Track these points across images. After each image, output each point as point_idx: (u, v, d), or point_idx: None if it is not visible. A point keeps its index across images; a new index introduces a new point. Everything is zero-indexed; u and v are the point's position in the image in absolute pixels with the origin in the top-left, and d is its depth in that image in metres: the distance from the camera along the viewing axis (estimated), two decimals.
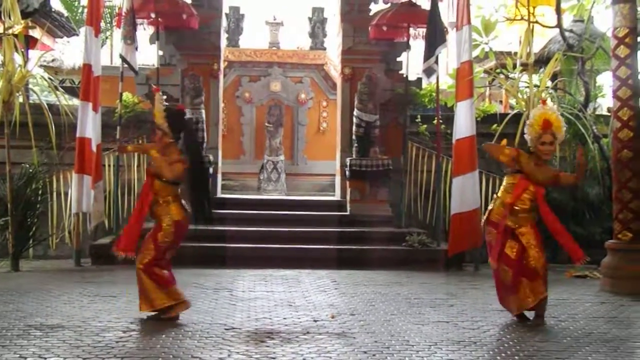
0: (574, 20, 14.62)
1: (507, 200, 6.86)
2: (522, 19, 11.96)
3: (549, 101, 7.16)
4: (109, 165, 11.80)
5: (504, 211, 6.84)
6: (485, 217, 7.15)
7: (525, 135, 7.00)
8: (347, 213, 12.48)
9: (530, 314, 6.91)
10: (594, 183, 12.02)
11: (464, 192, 10.48)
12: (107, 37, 19.98)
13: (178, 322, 6.51)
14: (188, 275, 9.36)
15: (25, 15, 11.85)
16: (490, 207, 7.12)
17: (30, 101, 11.60)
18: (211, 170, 12.23)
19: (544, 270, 6.82)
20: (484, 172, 11.06)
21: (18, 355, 5.23)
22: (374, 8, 13.06)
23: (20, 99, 10.70)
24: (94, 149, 10.63)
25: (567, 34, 12.84)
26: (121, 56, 11.57)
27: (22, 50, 11.09)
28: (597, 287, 9.00)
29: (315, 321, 6.70)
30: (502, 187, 7.10)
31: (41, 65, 15.61)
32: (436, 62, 11.53)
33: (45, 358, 5.18)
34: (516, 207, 6.84)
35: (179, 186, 6.91)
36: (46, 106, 10.75)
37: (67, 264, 10.82)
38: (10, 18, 10.37)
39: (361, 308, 7.41)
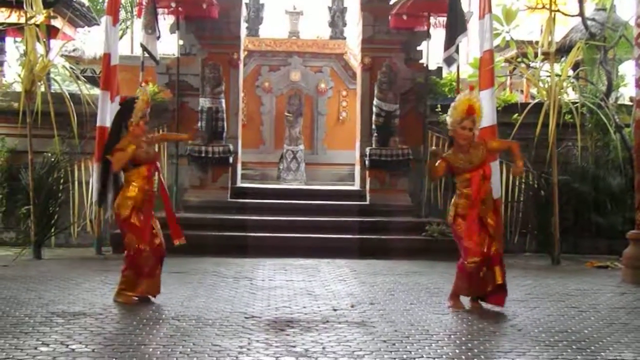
0: (596, 9, 14.50)
1: (472, 195, 6.83)
2: (543, 7, 11.88)
3: (476, 90, 7.34)
4: None
5: (471, 203, 6.83)
6: (451, 214, 7.04)
7: (447, 118, 7.00)
8: (367, 202, 12.48)
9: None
10: (615, 173, 11.95)
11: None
12: (127, 27, 20.08)
13: (199, 311, 6.54)
14: (208, 264, 9.42)
15: (47, 5, 11.93)
16: (454, 201, 7.01)
17: (52, 91, 11.70)
18: (231, 159, 12.28)
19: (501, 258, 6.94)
20: (504, 162, 10.99)
21: (41, 342, 5.27)
22: None
23: (42, 89, 10.78)
24: None
25: (589, 22, 12.74)
26: (142, 45, 11.63)
27: (44, 40, 11.16)
28: (619, 278, 8.94)
29: (334, 310, 6.70)
30: (458, 185, 7.01)
31: (62, 55, 15.69)
32: (457, 51, 11.50)
33: (68, 345, 5.22)
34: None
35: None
36: (68, 95, 10.81)
37: (88, 252, 10.91)
38: (32, 8, 10.43)
39: (381, 297, 7.41)
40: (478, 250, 6.76)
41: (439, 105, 12.74)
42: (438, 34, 12.48)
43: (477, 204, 6.83)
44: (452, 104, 6.94)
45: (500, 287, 6.87)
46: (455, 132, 6.86)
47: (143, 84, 7.36)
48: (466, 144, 6.85)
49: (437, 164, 6.96)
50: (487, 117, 10.41)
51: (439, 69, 13.07)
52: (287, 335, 5.68)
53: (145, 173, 6.96)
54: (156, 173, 7.11)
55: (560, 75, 11.10)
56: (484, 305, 6.93)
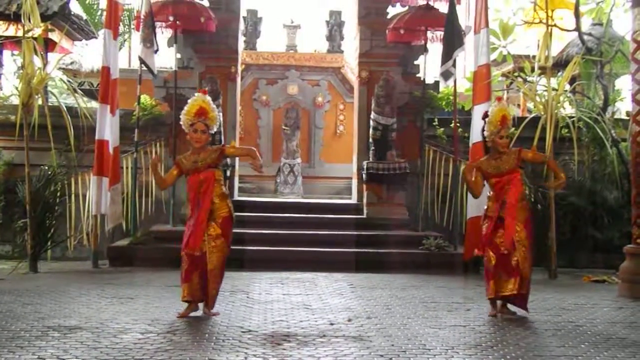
0: (592, 24, 14.55)
1: (501, 197, 7.32)
2: (540, 22, 11.92)
3: (503, 99, 7.68)
4: (127, 168, 11.87)
5: (496, 205, 7.32)
6: (483, 215, 7.58)
7: (484, 132, 7.42)
8: (364, 216, 12.48)
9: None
10: (612, 187, 11.96)
11: (481, 196, 10.43)
12: (125, 40, 20.10)
13: (195, 325, 6.53)
14: None
15: (44, 18, 11.95)
16: (485, 207, 7.56)
17: (49, 103, 11.68)
18: (228, 172, 12.26)
19: (528, 270, 7.22)
20: None
21: (36, 357, 5.25)
22: (392, 11, 13.05)
23: (39, 102, 10.77)
24: (111, 151, 10.72)
25: (585, 37, 12.79)
26: (140, 58, 11.63)
27: (42, 53, 11.16)
28: (616, 292, 8.94)
29: (331, 324, 6.69)
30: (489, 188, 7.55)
31: (60, 68, 15.70)
32: (454, 65, 11.52)
33: (64, 359, 5.20)
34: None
35: None
36: (65, 108, 10.82)
37: (85, 266, 10.89)
38: (30, 21, 10.44)
39: (378, 311, 7.40)
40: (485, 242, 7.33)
41: (436, 119, 12.79)
42: (435, 48, 12.51)
43: (496, 208, 7.29)
44: (488, 118, 7.40)
45: (521, 295, 7.18)
46: (495, 142, 7.34)
47: (198, 92, 7.26)
48: (503, 152, 7.35)
49: (474, 178, 7.45)
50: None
51: (436, 83, 13.09)
52: (284, 349, 5.66)
53: (189, 182, 7.12)
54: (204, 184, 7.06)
55: (557, 90, 11.12)
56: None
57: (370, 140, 12.40)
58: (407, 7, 12.74)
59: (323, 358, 5.41)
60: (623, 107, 15.10)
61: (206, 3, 12.77)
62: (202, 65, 12.86)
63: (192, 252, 6.92)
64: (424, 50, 12.51)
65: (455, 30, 11.44)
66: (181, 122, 7.15)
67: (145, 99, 12.49)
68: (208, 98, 7.20)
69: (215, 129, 7.31)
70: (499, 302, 7.25)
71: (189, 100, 7.17)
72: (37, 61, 10.71)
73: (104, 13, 12.84)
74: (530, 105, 14.87)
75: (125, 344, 5.70)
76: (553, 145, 10.58)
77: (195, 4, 12.37)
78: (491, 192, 7.45)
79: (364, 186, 12.57)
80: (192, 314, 6.98)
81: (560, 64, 14.41)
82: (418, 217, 12.22)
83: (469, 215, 10.58)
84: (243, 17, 15.83)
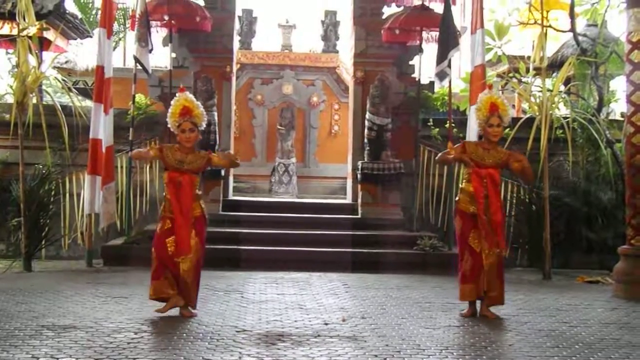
0: (587, 25, 14.58)
1: (469, 190, 7.17)
2: (535, 23, 11.93)
3: (494, 89, 7.57)
4: (122, 167, 11.85)
5: (468, 199, 7.17)
6: (455, 209, 7.43)
7: (476, 121, 7.38)
8: (359, 216, 12.48)
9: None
10: (606, 188, 11.99)
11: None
12: (120, 39, 20.09)
13: (189, 324, 6.52)
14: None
15: (39, 17, 11.92)
16: (457, 198, 7.39)
17: (44, 102, 11.67)
18: (223, 172, 12.25)
19: (500, 267, 7.15)
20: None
21: (30, 356, 5.24)
22: (387, 11, 13.07)
23: (34, 100, 10.75)
24: (104, 150, 10.69)
25: (580, 38, 12.80)
26: (135, 58, 11.61)
27: (36, 51, 11.14)
28: (610, 293, 8.95)
29: (326, 324, 6.68)
30: (463, 178, 7.50)
31: (55, 67, 15.69)
32: (449, 65, 11.53)
33: (57, 358, 5.18)
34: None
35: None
36: (59, 107, 10.78)
37: (79, 265, 10.86)
38: (24, 20, 10.42)
39: (372, 311, 7.40)
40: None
41: (431, 120, 12.79)
42: (430, 49, 12.53)
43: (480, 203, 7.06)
44: (476, 107, 7.30)
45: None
46: (485, 131, 7.17)
47: (179, 92, 7.09)
48: (494, 143, 7.17)
49: (453, 148, 7.22)
50: (478, 132, 10.47)
51: (431, 84, 13.09)
52: (278, 349, 5.66)
53: (166, 179, 6.96)
54: (183, 187, 6.88)
55: (551, 91, 11.13)
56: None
57: (365, 140, 12.41)
58: (402, 8, 12.76)
59: (317, 358, 5.40)
60: (617, 108, 15.14)
61: (201, 2, 12.78)
62: (197, 65, 12.86)
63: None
64: (419, 50, 12.53)
65: (451, 31, 11.46)
66: (169, 125, 7.10)
67: (140, 98, 12.47)
68: (190, 96, 7.09)
69: (203, 126, 7.17)
70: (478, 302, 7.23)
71: (171, 102, 7.09)
72: (32, 60, 10.68)
73: (99, 12, 12.81)
74: (525, 105, 14.89)
75: (119, 343, 5.69)
76: (548, 146, 10.58)
77: (190, 3, 12.37)
78: (463, 183, 7.31)
79: (359, 186, 12.57)
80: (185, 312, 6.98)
81: (555, 65, 14.44)
82: (413, 218, 12.23)
83: None
84: (238, 16, 15.80)
